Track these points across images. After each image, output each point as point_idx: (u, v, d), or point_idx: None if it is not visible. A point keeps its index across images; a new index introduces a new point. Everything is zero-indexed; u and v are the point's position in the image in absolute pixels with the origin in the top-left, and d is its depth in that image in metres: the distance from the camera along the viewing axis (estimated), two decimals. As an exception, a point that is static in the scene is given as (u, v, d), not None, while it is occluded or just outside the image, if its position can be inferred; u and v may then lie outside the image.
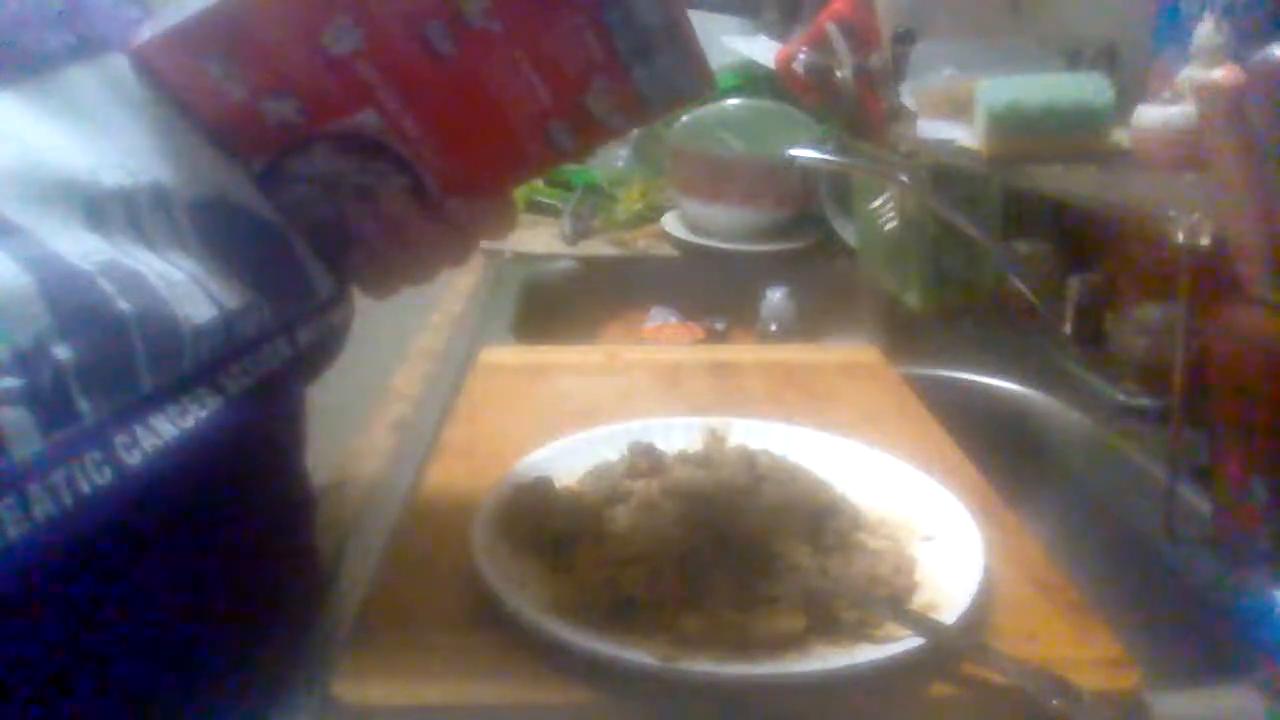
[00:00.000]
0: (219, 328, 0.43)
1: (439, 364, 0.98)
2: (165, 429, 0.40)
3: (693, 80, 0.50)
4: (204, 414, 0.41)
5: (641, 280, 1.38)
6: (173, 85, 0.47)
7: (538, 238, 1.47)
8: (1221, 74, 0.69)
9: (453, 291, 1.22)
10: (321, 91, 0.48)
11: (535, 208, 1.58)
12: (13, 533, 0.34)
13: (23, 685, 0.41)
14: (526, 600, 0.50)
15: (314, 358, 0.51)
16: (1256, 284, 0.55)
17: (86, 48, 0.44)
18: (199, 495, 0.43)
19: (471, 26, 0.47)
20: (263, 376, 0.45)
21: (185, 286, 0.42)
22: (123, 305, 0.39)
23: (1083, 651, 0.49)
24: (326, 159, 0.50)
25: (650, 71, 0.48)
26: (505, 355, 0.95)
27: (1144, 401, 0.83)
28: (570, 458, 0.66)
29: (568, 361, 0.92)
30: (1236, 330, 0.57)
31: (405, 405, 0.86)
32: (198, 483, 0.42)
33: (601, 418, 0.75)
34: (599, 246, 1.46)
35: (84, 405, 0.37)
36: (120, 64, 0.45)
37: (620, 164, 1.62)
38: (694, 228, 1.44)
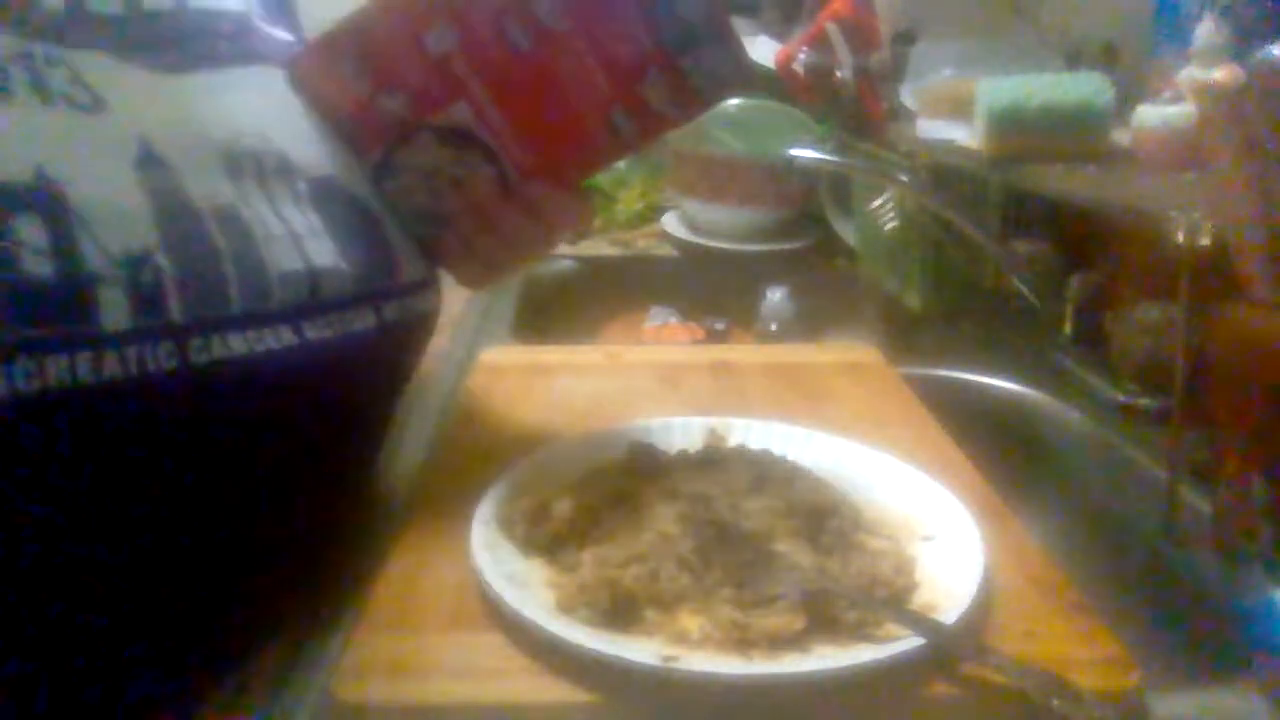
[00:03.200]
0: (304, 279, 0.51)
1: (439, 364, 0.98)
2: (238, 345, 0.47)
3: (734, 71, 0.56)
4: (278, 347, 0.49)
5: (641, 280, 1.38)
6: (315, 86, 0.57)
7: (538, 238, 1.47)
8: (1221, 74, 0.69)
9: (453, 291, 1.22)
10: (424, 86, 0.57)
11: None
12: (84, 379, 0.42)
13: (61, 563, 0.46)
14: (526, 600, 0.50)
15: (403, 337, 0.59)
16: (1256, 284, 0.55)
17: (248, 58, 0.56)
18: (268, 419, 0.50)
19: (543, 24, 0.54)
20: (346, 336, 0.53)
21: (280, 240, 0.51)
22: (219, 241, 0.48)
23: (1083, 651, 0.49)
24: (428, 150, 0.58)
25: (696, 62, 0.55)
26: (505, 355, 0.95)
27: (1144, 401, 0.83)
28: (570, 458, 0.66)
29: (568, 361, 0.92)
30: (1236, 330, 0.57)
31: (405, 405, 0.86)
32: (269, 407, 0.50)
33: (601, 418, 0.75)
34: (599, 246, 1.46)
35: (175, 306, 0.45)
36: (271, 73, 0.56)
37: (620, 164, 1.62)
38: (694, 228, 1.44)
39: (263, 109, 0.54)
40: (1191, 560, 0.68)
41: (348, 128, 0.58)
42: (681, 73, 0.55)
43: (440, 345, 1.03)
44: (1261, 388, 0.56)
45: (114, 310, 0.43)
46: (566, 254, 1.43)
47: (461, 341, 1.06)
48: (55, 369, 0.42)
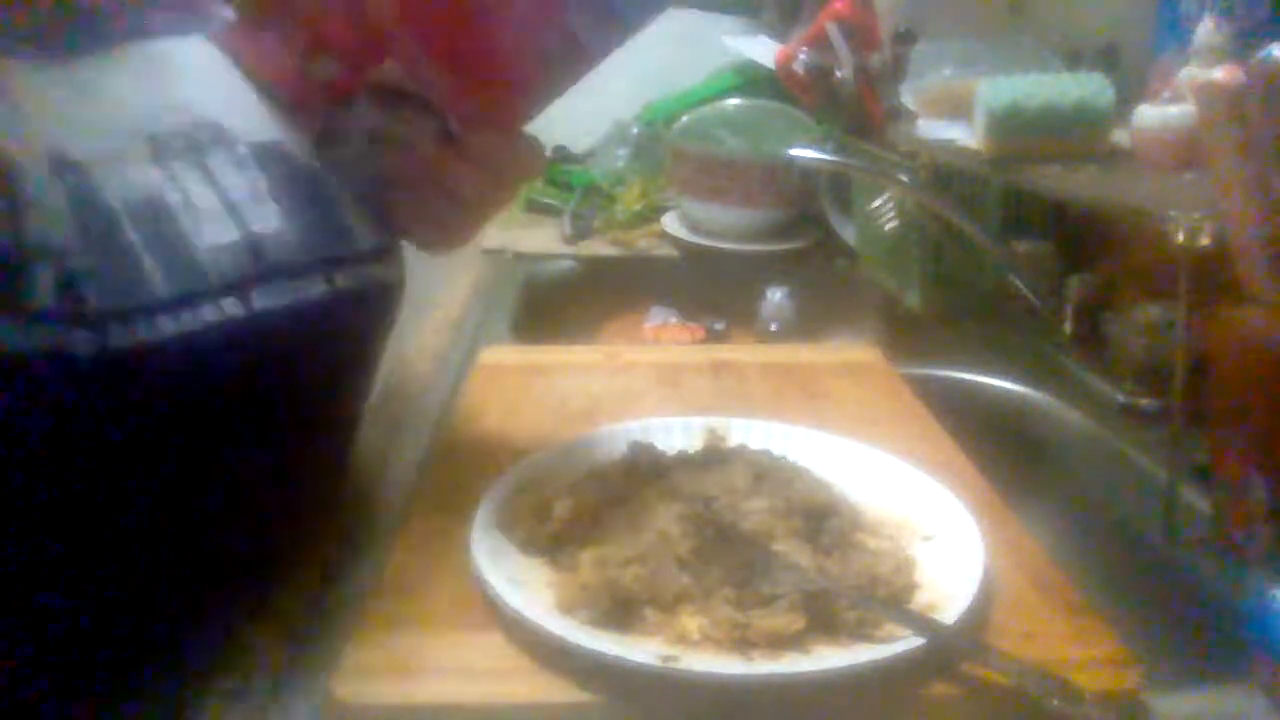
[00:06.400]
0: (243, 248, 0.50)
1: (439, 364, 0.98)
2: (167, 326, 0.47)
3: None
4: (219, 319, 0.49)
5: (641, 280, 1.38)
6: (243, 57, 0.55)
7: (538, 238, 1.47)
8: (1221, 74, 0.69)
9: (453, 291, 1.22)
10: (353, 45, 0.55)
11: (535, 208, 1.58)
12: (14, 348, 0.43)
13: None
14: (526, 600, 0.50)
15: (360, 308, 0.57)
16: (1256, 284, 0.55)
17: (182, 28, 0.54)
18: (216, 391, 0.50)
19: None
20: (296, 304, 0.52)
21: (212, 212, 0.50)
22: (135, 237, 0.48)
23: (1083, 651, 0.49)
24: (367, 113, 0.57)
25: None
26: (505, 355, 0.95)
27: (1144, 401, 0.83)
28: (570, 458, 0.66)
29: (568, 361, 0.92)
30: (1236, 330, 0.57)
31: (405, 405, 0.86)
32: (215, 379, 0.50)
33: (601, 418, 0.75)
34: (599, 246, 1.46)
35: (91, 297, 0.45)
36: (206, 44, 0.55)
37: (620, 164, 1.62)
38: (694, 228, 1.44)
39: (198, 80, 0.54)
40: (1191, 560, 0.68)
41: (284, 96, 0.56)
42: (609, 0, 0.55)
43: (440, 345, 1.03)
44: (1261, 388, 0.56)
45: (40, 290, 0.44)
46: (566, 254, 1.43)
47: (461, 341, 1.06)
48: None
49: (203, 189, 0.50)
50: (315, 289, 0.53)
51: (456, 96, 0.57)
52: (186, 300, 0.48)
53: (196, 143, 0.51)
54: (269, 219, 0.52)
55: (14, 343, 0.43)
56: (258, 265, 0.51)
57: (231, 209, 0.51)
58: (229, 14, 0.56)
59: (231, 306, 0.49)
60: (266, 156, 0.54)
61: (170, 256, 0.48)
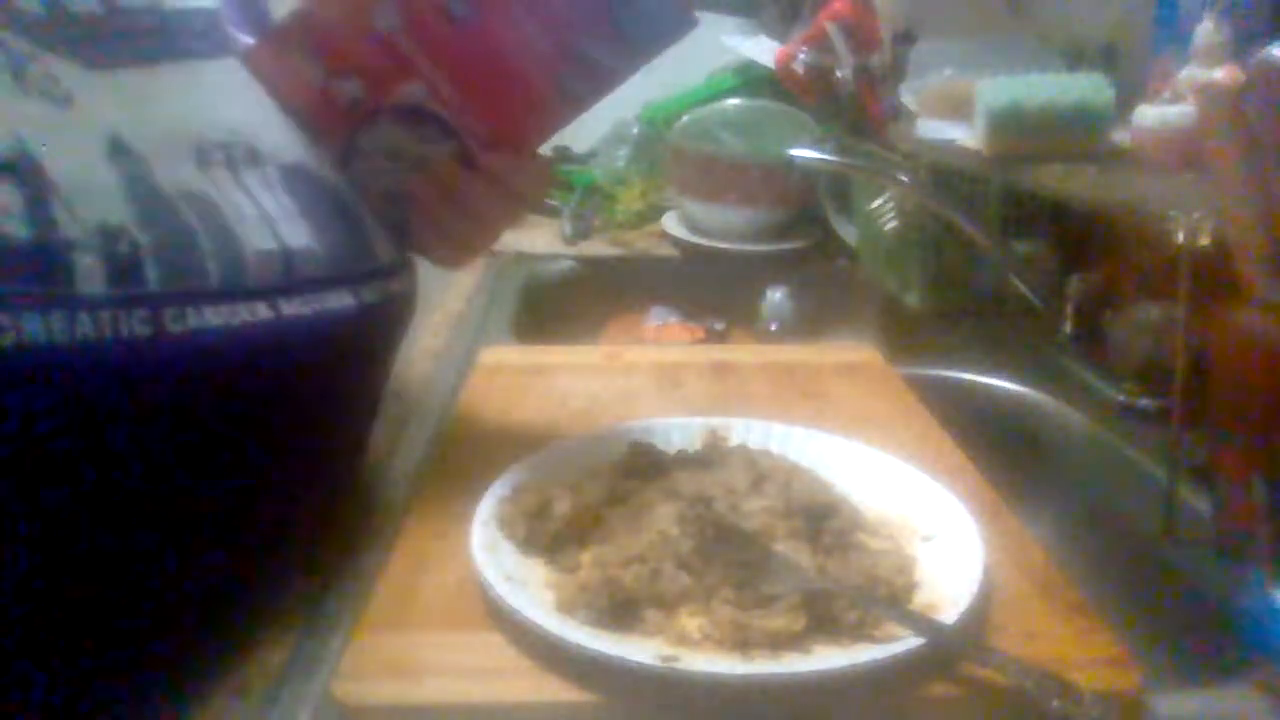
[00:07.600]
0: (278, 259, 0.52)
1: (439, 364, 0.98)
2: (212, 318, 0.49)
3: (673, 19, 0.56)
4: (254, 321, 0.50)
5: (641, 280, 1.38)
6: (270, 78, 0.57)
7: (538, 238, 1.47)
8: (1221, 74, 0.69)
9: (453, 291, 1.22)
10: (376, 68, 0.57)
11: (535, 208, 1.58)
12: (58, 338, 0.44)
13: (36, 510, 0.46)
14: (526, 600, 0.50)
15: (382, 319, 0.60)
16: (1256, 284, 0.55)
17: (216, 52, 0.57)
18: (248, 390, 0.52)
19: None
20: (323, 314, 0.54)
21: (254, 221, 0.52)
22: (193, 220, 0.50)
23: (1083, 651, 0.49)
24: (388, 132, 0.59)
25: (631, 13, 0.56)
26: (505, 355, 0.95)
27: (1144, 401, 0.83)
28: (570, 457, 0.66)
29: (568, 361, 0.92)
30: (1236, 330, 0.57)
31: (405, 405, 0.86)
32: (247, 378, 0.51)
33: (601, 418, 0.75)
34: (599, 246, 1.46)
35: (152, 276, 0.47)
36: (239, 66, 0.57)
37: (620, 164, 1.62)
38: (694, 228, 1.44)
39: (230, 101, 0.56)
40: (1191, 560, 0.68)
41: (308, 116, 0.58)
42: (618, 25, 0.56)
43: (440, 345, 1.03)
44: (1261, 388, 0.56)
45: (89, 276, 0.45)
46: (566, 254, 1.43)
47: (461, 341, 1.06)
48: (30, 326, 0.43)
49: (243, 198, 0.52)
50: (341, 301, 0.55)
51: (476, 120, 0.59)
52: (229, 295, 0.49)
53: (233, 158, 0.54)
54: (300, 236, 0.54)
55: (57, 333, 0.44)
56: (289, 276, 0.52)
57: (268, 221, 0.52)
58: (250, 40, 0.58)
59: (264, 310, 0.51)
60: (295, 178, 0.55)
61: (222, 249, 0.50)
